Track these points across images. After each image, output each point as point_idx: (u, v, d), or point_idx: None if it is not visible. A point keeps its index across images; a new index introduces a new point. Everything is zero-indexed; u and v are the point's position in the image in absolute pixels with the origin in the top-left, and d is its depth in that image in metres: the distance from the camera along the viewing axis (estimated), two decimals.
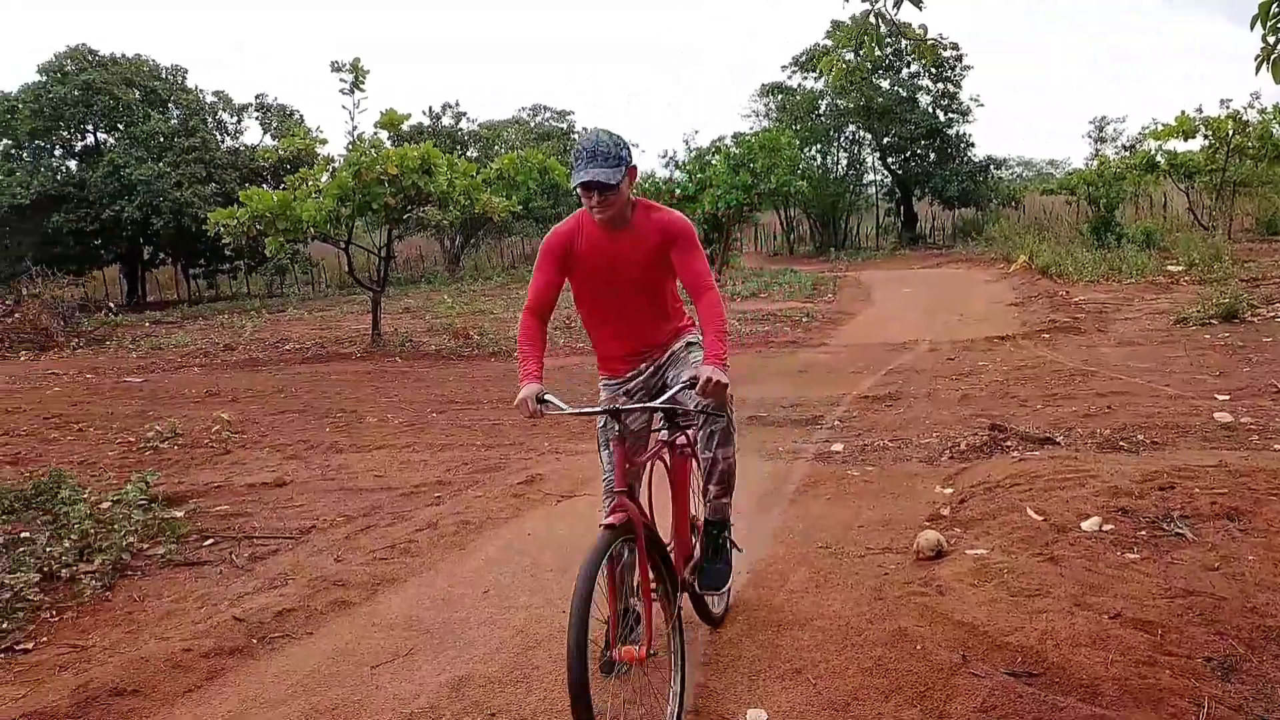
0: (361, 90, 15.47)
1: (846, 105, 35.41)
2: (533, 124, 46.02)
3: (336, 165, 14.81)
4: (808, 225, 38.40)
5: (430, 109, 40.48)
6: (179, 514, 6.14)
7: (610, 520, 3.08)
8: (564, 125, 46.41)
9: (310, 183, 14.76)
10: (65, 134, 31.18)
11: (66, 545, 5.31)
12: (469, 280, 30.57)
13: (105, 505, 6.09)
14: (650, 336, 3.68)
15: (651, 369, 3.73)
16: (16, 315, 18.04)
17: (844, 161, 38.40)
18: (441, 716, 3.46)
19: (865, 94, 34.04)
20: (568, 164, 3.28)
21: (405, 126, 21.43)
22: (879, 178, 39.48)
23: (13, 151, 30.98)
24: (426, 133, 36.28)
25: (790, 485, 6.25)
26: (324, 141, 16.97)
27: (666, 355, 3.72)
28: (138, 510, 5.82)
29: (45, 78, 30.45)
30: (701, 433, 3.69)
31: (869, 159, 38.66)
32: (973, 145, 35.82)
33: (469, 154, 36.18)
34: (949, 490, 5.89)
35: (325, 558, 5.30)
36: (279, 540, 5.62)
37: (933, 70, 34.86)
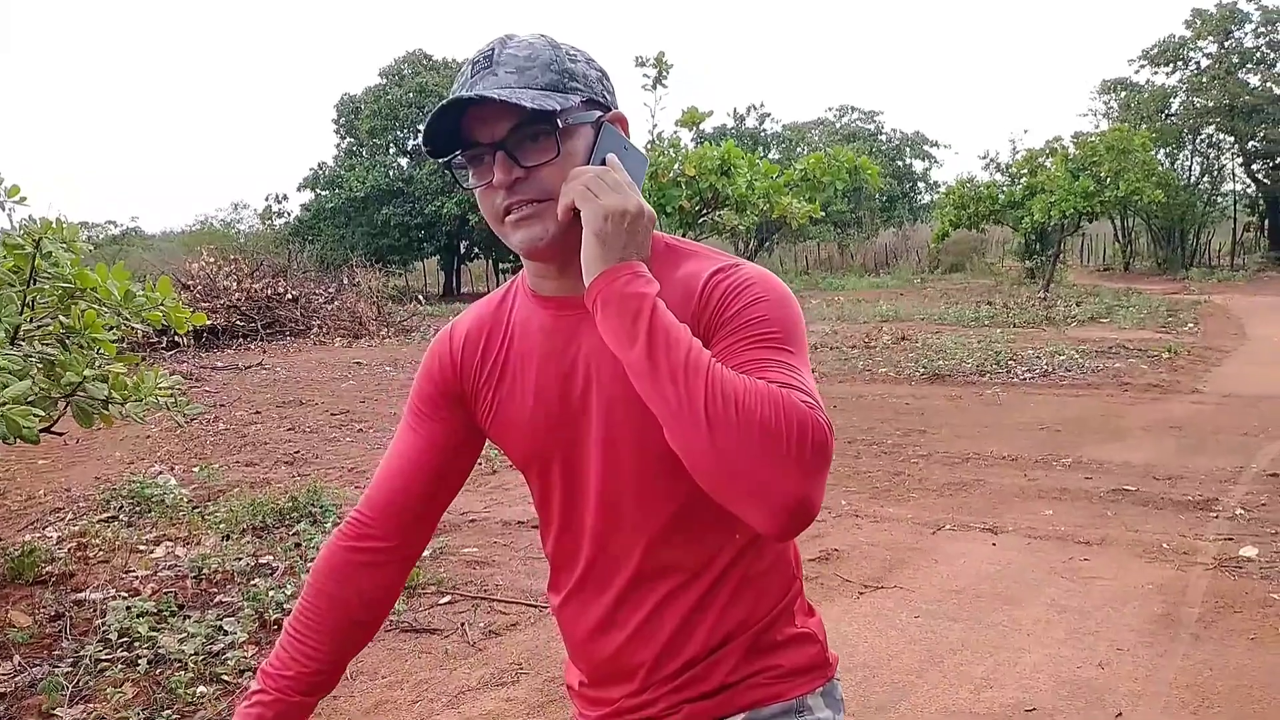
0: (664, 86, 14.72)
1: (1205, 104, 30.78)
2: (838, 125, 44.42)
3: None
4: (1148, 238, 33.91)
5: (734, 109, 39.93)
6: (425, 553, 5.43)
7: None
8: (871, 126, 44.41)
9: None
10: (399, 133, 33.62)
11: (294, 589, 4.69)
12: None
13: None
14: (694, 615, 1.29)
15: None
16: (336, 303, 19.13)
17: (1196, 168, 33.55)
18: None
19: (1229, 91, 29.40)
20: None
21: (707, 126, 20.69)
22: (1238, 186, 34.20)
23: (354, 149, 33.86)
24: (729, 133, 35.74)
25: (1190, 609, 4.50)
26: None
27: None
28: None
29: (385, 80, 32.94)
30: None
31: (1228, 165, 33.55)
32: None
33: (770, 155, 35.18)
34: None
35: None
36: (521, 608, 4.70)
37: None
